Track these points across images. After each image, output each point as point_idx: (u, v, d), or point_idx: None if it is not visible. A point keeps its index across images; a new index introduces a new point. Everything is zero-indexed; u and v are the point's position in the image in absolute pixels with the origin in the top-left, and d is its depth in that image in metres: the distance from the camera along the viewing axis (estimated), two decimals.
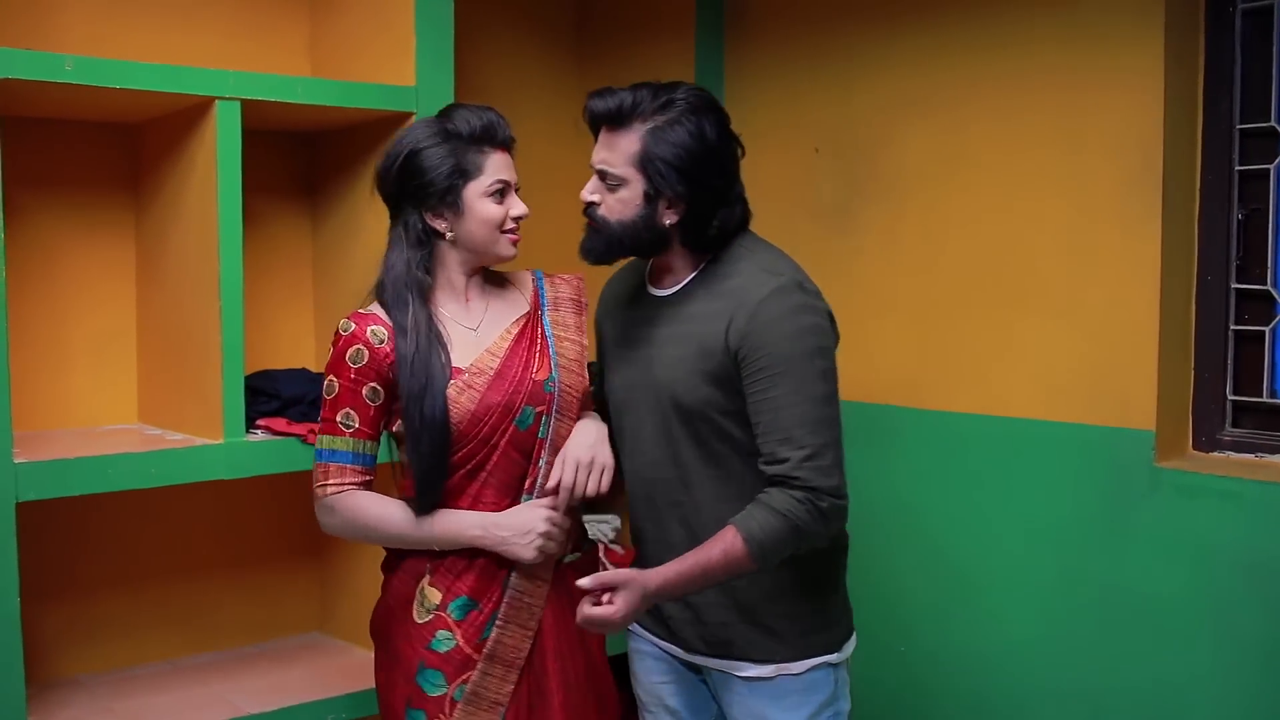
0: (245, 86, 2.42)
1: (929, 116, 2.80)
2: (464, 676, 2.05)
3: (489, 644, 2.05)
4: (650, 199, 1.96)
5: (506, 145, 2.09)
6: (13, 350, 2.54)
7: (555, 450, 2.10)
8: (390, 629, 2.12)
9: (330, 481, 2.05)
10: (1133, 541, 2.48)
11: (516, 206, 2.09)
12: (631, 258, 2.12)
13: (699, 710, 2.20)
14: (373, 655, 2.21)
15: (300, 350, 2.99)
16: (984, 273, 2.72)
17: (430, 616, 2.06)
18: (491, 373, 2.06)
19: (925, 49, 2.80)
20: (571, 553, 2.17)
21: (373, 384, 2.04)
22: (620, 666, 3.04)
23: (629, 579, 1.91)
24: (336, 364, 2.05)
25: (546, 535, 2.04)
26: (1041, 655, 2.63)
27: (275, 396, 2.59)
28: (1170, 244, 2.46)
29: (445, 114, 2.10)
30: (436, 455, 2.01)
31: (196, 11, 2.82)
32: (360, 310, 2.09)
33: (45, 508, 2.35)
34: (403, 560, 2.11)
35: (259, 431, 2.54)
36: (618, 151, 1.96)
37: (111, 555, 2.77)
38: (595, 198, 2.01)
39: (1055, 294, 2.60)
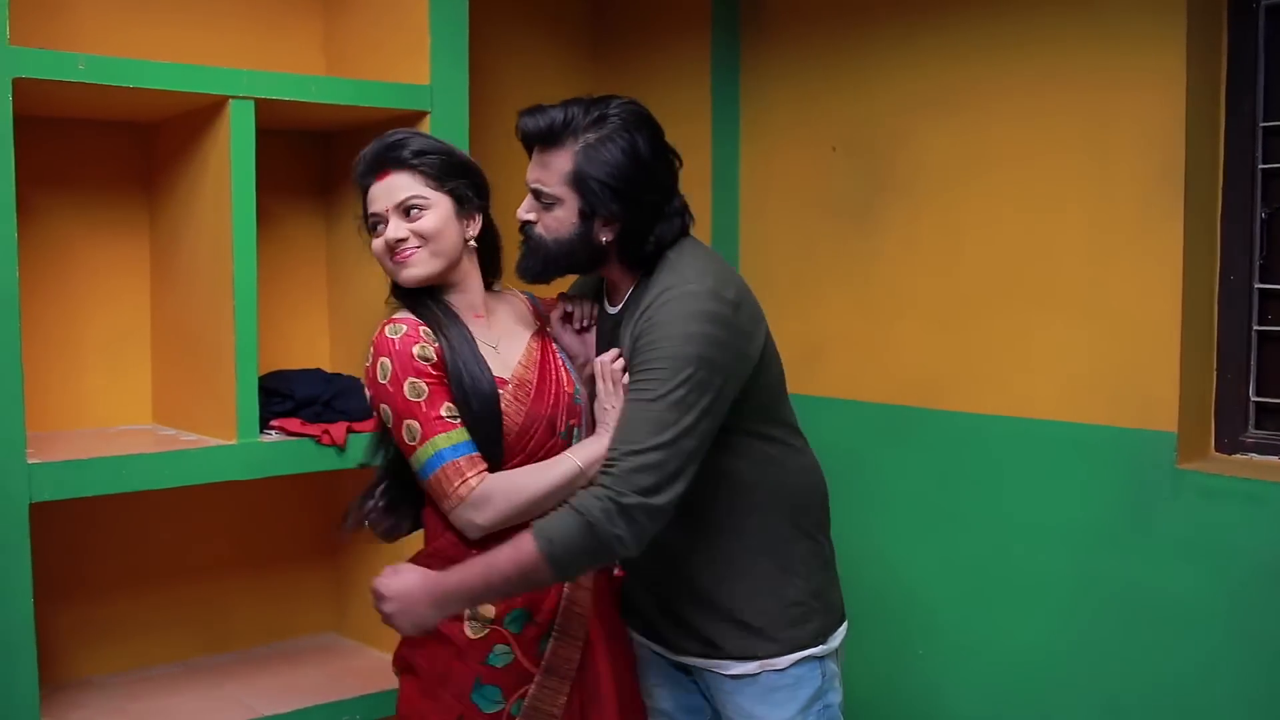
0: (259, 85, 2.41)
1: (948, 116, 2.78)
2: (521, 690, 2.00)
3: (546, 657, 2.01)
4: (585, 216, 1.92)
5: (376, 171, 1.99)
6: (26, 350, 2.54)
7: None
8: (434, 649, 2.00)
9: (470, 474, 1.90)
10: (1154, 544, 2.46)
11: (391, 230, 1.96)
12: (569, 275, 2.07)
13: (694, 711, 2.17)
14: (388, 658, 2.16)
15: (314, 350, 2.98)
16: (1004, 273, 2.70)
17: (486, 631, 1.98)
18: (533, 384, 2.01)
19: (944, 48, 2.78)
20: None
21: (445, 378, 1.94)
22: None
23: (410, 566, 1.90)
24: (409, 365, 1.91)
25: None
26: (1061, 657, 2.61)
27: (289, 397, 2.58)
28: (1192, 243, 2.43)
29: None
30: (489, 424, 1.95)
31: (210, 10, 2.81)
32: (395, 317, 1.99)
33: (59, 508, 2.34)
34: None
35: (273, 432, 2.53)
36: (551, 170, 1.92)
37: (125, 555, 2.76)
38: (531, 216, 1.97)
39: (1076, 294, 2.57)
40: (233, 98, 2.38)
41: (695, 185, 3.25)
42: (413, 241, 1.96)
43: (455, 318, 2.00)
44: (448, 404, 1.92)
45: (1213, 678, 2.38)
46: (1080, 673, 2.58)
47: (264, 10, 2.89)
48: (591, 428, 2.04)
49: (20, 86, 2.18)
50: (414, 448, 1.91)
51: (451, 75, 2.64)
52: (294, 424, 2.53)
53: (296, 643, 2.97)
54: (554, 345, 2.11)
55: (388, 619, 1.88)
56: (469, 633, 1.98)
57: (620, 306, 2.03)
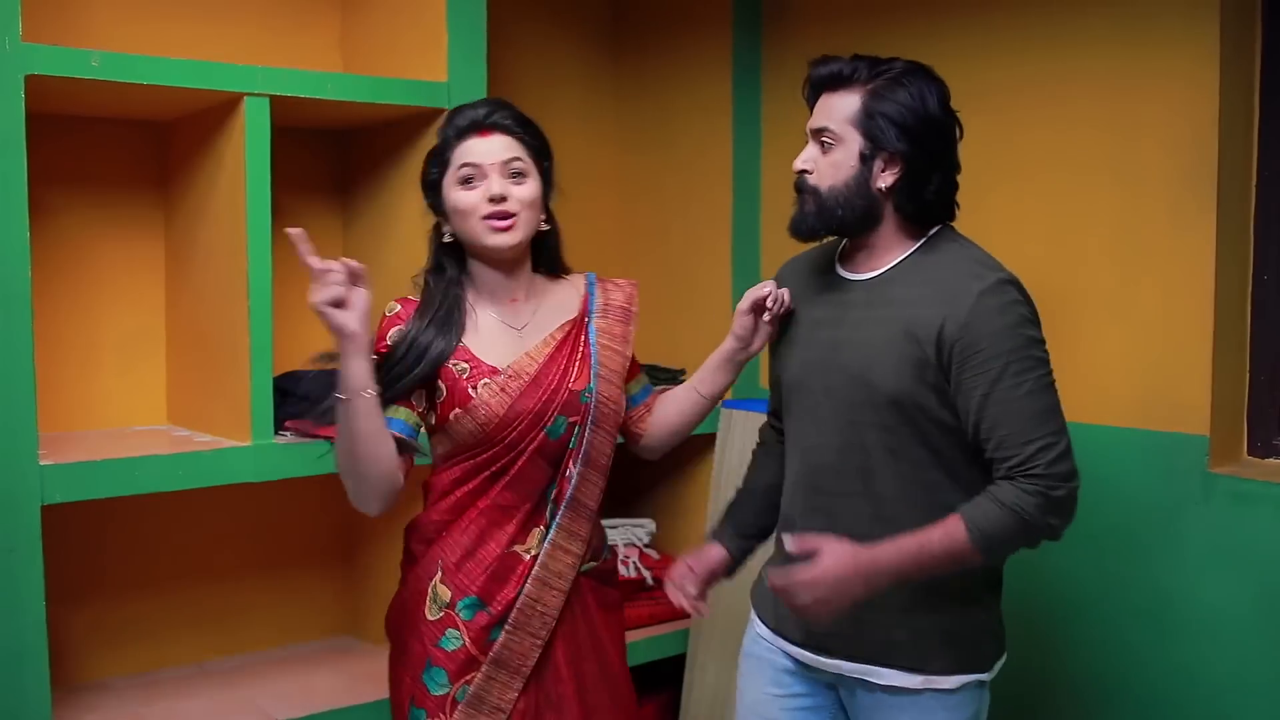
0: (274, 82, 2.38)
1: (973, 116, 2.68)
2: (467, 677, 2.00)
3: (495, 648, 2.01)
4: (865, 159, 1.91)
5: (482, 128, 1.99)
6: (41, 350, 2.53)
7: (587, 462, 2.06)
8: (403, 624, 2.08)
9: None
10: (1185, 550, 2.41)
11: (492, 186, 1.96)
12: (841, 234, 2.02)
13: None
14: None
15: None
16: (1031, 274, 2.61)
17: (441, 614, 2.02)
18: (527, 378, 2.00)
19: (970, 46, 2.74)
20: (589, 561, 2.11)
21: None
22: (649, 675, 2.98)
23: (833, 541, 1.83)
24: (379, 341, 2.01)
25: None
26: (1093, 663, 2.56)
27: (304, 398, 2.54)
28: (1225, 241, 2.38)
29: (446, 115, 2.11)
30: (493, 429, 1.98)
31: (226, 7, 2.79)
32: (409, 297, 2.07)
33: (73, 509, 2.33)
34: (421, 556, 2.07)
35: (287, 433, 2.50)
36: (835, 111, 1.93)
37: (139, 557, 2.75)
38: (808, 165, 1.96)
39: (1105, 294, 2.53)
40: (248, 95, 2.36)
41: (716, 184, 3.27)
42: (512, 205, 1.97)
43: (460, 304, 2.01)
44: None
45: (1245, 688, 2.33)
46: (1109, 681, 2.53)
47: (280, 7, 2.86)
48: (596, 428, 2.04)
49: (33, 83, 2.15)
50: None
51: (469, 72, 2.61)
52: (308, 425, 2.49)
53: (311, 646, 2.95)
54: (585, 338, 2.08)
55: (811, 608, 1.83)
56: (428, 614, 2.02)
57: (876, 274, 1.97)
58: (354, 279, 1.84)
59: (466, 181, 1.99)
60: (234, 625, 2.87)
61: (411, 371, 1.96)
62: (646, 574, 3.12)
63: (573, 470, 2.04)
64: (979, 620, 1.97)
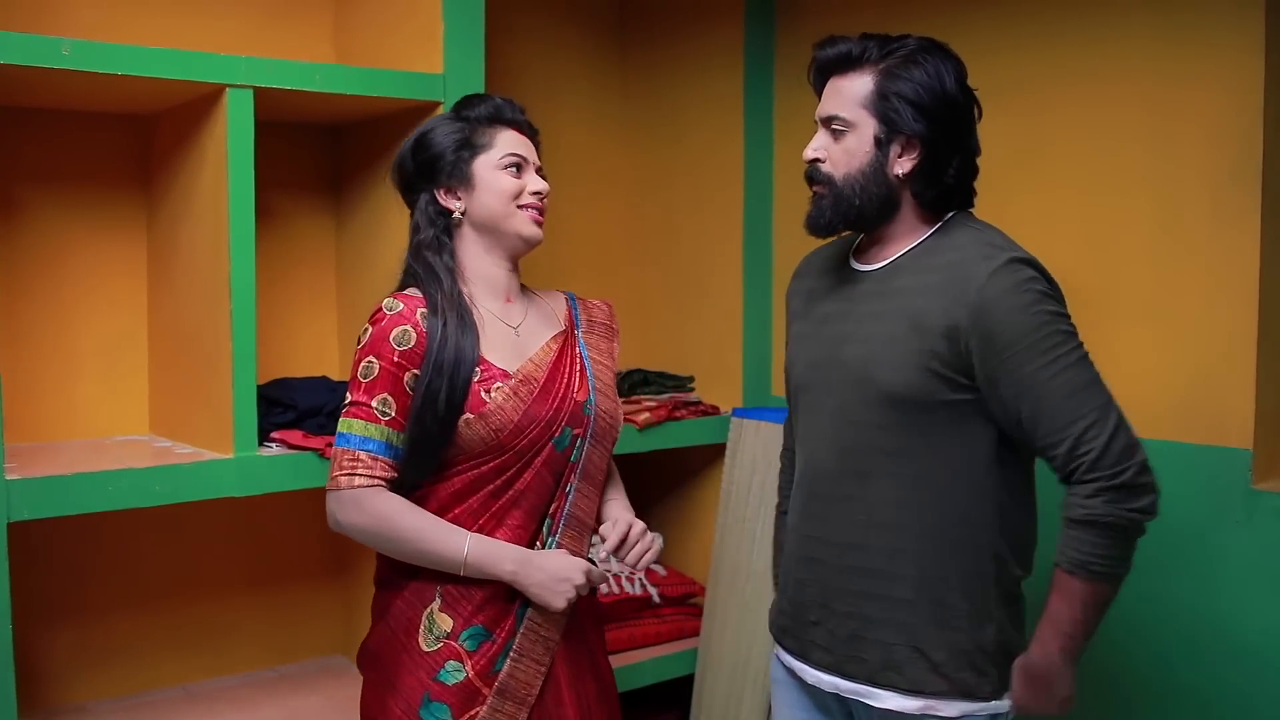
0: (258, 73, 2.28)
1: (1002, 110, 2.62)
2: (471, 711, 1.91)
3: (501, 677, 1.92)
4: (881, 144, 1.81)
5: (520, 127, 2.03)
6: (16, 357, 2.46)
7: (586, 478, 2.01)
8: (390, 656, 1.97)
9: (360, 472, 1.88)
10: (1227, 568, 2.32)
11: (535, 182, 2.01)
12: (858, 228, 1.91)
13: None
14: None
15: (323, 357, 2.86)
16: (1063, 276, 2.50)
17: (439, 645, 1.93)
18: (539, 384, 1.96)
19: (998, 37, 2.67)
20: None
21: (414, 371, 1.90)
22: (657, 695, 2.88)
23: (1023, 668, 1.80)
24: (378, 344, 1.90)
25: (579, 587, 1.93)
26: (1125, 686, 2.47)
27: (291, 407, 2.44)
28: (1271, 243, 2.28)
29: (458, 102, 2.08)
30: (437, 436, 1.89)
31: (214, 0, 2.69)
32: (406, 292, 1.97)
33: (52, 524, 2.25)
34: (408, 582, 1.96)
35: (274, 445, 2.38)
36: (846, 96, 1.84)
37: (123, 574, 2.66)
38: (820, 154, 1.87)
39: (1142, 300, 2.44)
40: (230, 86, 2.25)
41: (727, 182, 3.19)
42: (545, 200, 2.02)
43: (463, 299, 1.96)
44: (386, 396, 1.90)
45: None
46: (1145, 709, 2.44)
47: None
48: (595, 442, 2.00)
49: (3, 74, 2.06)
50: (340, 414, 1.93)
51: (466, 64, 2.51)
52: (296, 436, 2.39)
53: (303, 666, 2.87)
54: (578, 351, 2.05)
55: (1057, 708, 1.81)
56: (423, 645, 1.93)
57: (884, 264, 1.88)
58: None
59: (514, 169, 1.99)
60: (221, 645, 2.78)
61: (443, 395, 1.88)
62: (654, 591, 3.00)
63: (572, 485, 2.00)
64: (990, 641, 1.82)
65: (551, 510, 1.98)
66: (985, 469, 1.81)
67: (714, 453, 3.14)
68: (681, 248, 3.33)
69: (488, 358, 1.93)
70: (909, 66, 1.81)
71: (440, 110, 2.47)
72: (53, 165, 2.53)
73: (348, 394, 1.93)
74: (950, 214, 1.89)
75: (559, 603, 1.90)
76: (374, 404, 1.89)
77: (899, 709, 1.82)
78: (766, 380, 3.18)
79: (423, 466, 1.91)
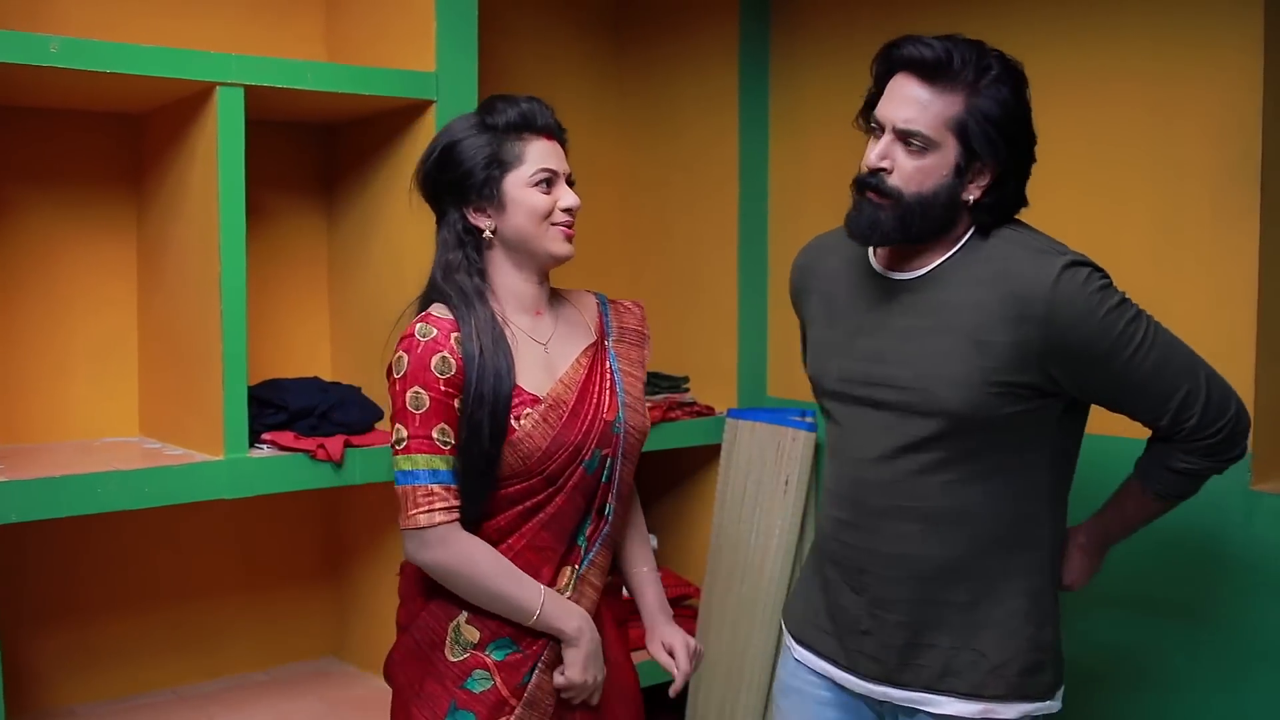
0: (249, 72, 2.26)
1: None
2: None
3: (529, 689, 1.90)
4: (960, 170, 1.72)
5: (550, 133, 1.94)
6: (6, 357, 2.45)
7: (618, 497, 1.96)
8: (416, 666, 1.94)
9: (438, 507, 1.82)
10: (1226, 570, 2.31)
11: (567, 197, 1.93)
12: (918, 241, 1.81)
13: None
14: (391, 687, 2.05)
15: (315, 357, 2.83)
16: None
17: (466, 655, 1.90)
18: (566, 408, 1.90)
19: (994, 34, 2.57)
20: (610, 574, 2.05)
21: (460, 398, 1.85)
22: (651, 698, 2.85)
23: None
24: (421, 373, 1.83)
25: (600, 676, 1.94)
26: (1127, 693, 2.45)
27: (283, 408, 2.42)
28: (1270, 245, 2.26)
29: (484, 105, 1.96)
30: (484, 473, 1.86)
31: None
32: (431, 313, 1.88)
33: (42, 526, 2.23)
34: (435, 595, 1.93)
35: (265, 446, 2.36)
36: (931, 110, 1.70)
37: (113, 576, 2.64)
38: (886, 164, 1.74)
39: (1141, 297, 2.32)
40: (220, 84, 2.23)
41: (722, 180, 3.17)
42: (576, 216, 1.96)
43: (495, 319, 1.89)
44: (444, 425, 1.84)
45: None
46: (1147, 705, 2.42)
47: None
48: (625, 459, 1.96)
49: None
50: (398, 452, 1.85)
51: (459, 62, 2.49)
52: (287, 437, 2.37)
53: (294, 668, 2.84)
54: (608, 365, 1.98)
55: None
56: (449, 655, 1.91)
57: (921, 273, 1.79)
58: None
59: (544, 184, 1.91)
60: (212, 648, 2.76)
61: (486, 427, 1.84)
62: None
63: (609, 506, 1.95)
64: (1049, 640, 1.83)
65: (588, 533, 1.94)
66: (1042, 468, 1.80)
67: (709, 454, 3.12)
68: (676, 247, 3.31)
69: (520, 382, 1.89)
70: (998, 89, 1.71)
71: (433, 109, 2.45)
72: (42, 164, 2.50)
73: (399, 427, 1.84)
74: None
75: (585, 677, 1.89)
76: (434, 435, 1.83)
77: (959, 714, 1.79)
78: (761, 381, 3.16)
79: (475, 498, 1.87)
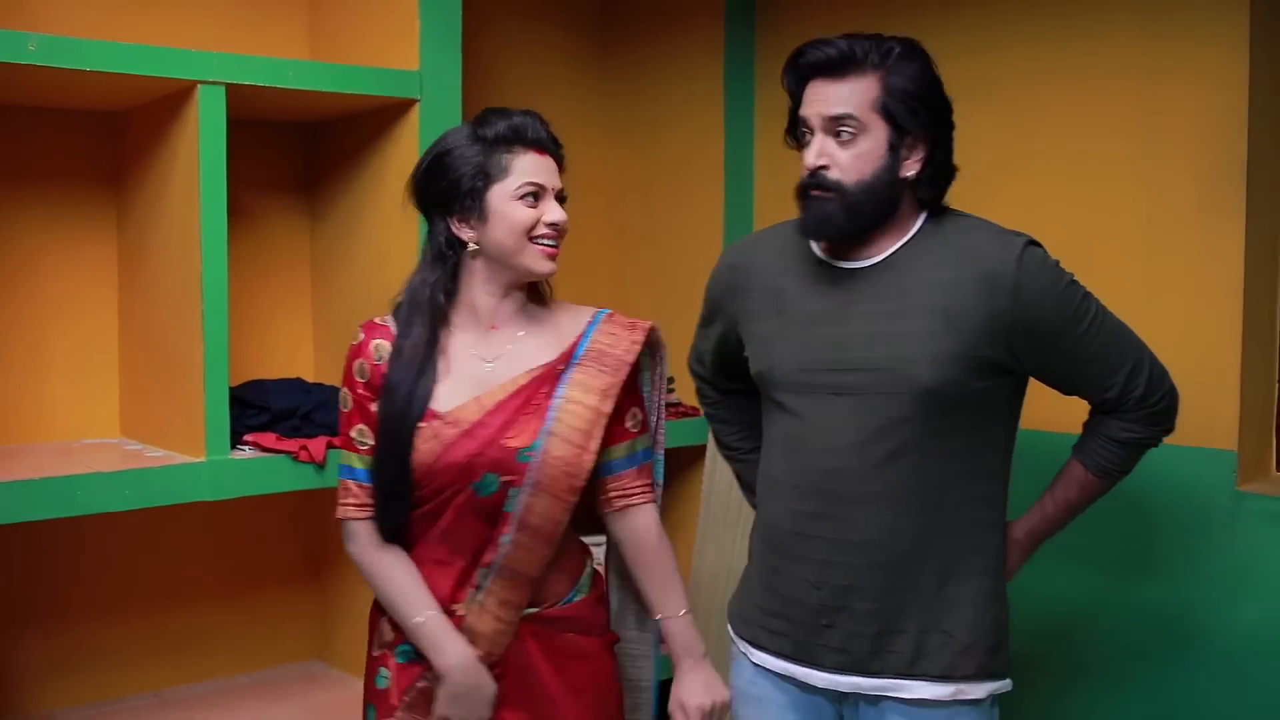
0: (230, 70, 2.24)
1: (986, 109, 2.62)
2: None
3: (411, 695, 1.92)
4: (894, 147, 1.78)
5: (541, 146, 1.90)
6: None
7: (527, 529, 1.88)
8: (366, 654, 2.06)
9: (350, 503, 1.92)
10: (1211, 570, 2.31)
11: (552, 212, 1.88)
12: (867, 231, 1.84)
13: None
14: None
15: (298, 359, 2.82)
16: None
17: (379, 651, 1.97)
18: (464, 428, 1.86)
19: (982, 34, 2.65)
20: (531, 607, 1.94)
21: (377, 403, 1.90)
22: None
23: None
24: (348, 377, 1.93)
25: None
26: (1112, 692, 2.45)
27: (265, 409, 2.40)
28: (1255, 245, 2.27)
29: (478, 116, 1.94)
30: (394, 490, 1.88)
31: None
32: (376, 319, 1.94)
33: (22, 528, 2.20)
34: None
35: (246, 448, 2.34)
36: (852, 99, 1.77)
37: (94, 578, 2.61)
38: (824, 161, 1.79)
39: (1126, 300, 2.35)
40: (201, 83, 2.21)
41: (708, 180, 3.16)
42: (559, 232, 1.91)
43: (430, 343, 1.88)
44: (363, 426, 1.91)
45: (1275, 715, 2.21)
46: (1128, 711, 2.42)
47: None
48: (539, 491, 1.86)
49: None
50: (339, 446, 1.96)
51: (443, 61, 2.47)
52: (269, 439, 2.35)
53: (278, 672, 2.83)
54: (553, 390, 1.90)
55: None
56: (372, 649, 2.00)
57: (877, 260, 1.83)
58: None
59: (530, 198, 1.88)
60: (195, 651, 2.74)
61: (391, 443, 1.87)
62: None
63: (506, 536, 1.87)
64: (1003, 620, 1.88)
65: (484, 559, 1.89)
66: (996, 448, 1.86)
67: (694, 454, 3.11)
68: (662, 247, 3.30)
69: (438, 403, 1.87)
70: (906, 65, 1.77)
71: (416, 108, 2.44)
72: (20, 164, 2.48)
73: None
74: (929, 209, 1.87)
75: (448, 713, 1.87)
76: (353, 434, 1.91)
77: (932, 697, 1.81)
78: None
79: (390, 502, 1.89)
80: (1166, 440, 2.30)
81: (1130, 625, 2.41)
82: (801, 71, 1.83)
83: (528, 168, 1.87)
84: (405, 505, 1.89)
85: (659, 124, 3.28)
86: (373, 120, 2.54)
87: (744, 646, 1.99)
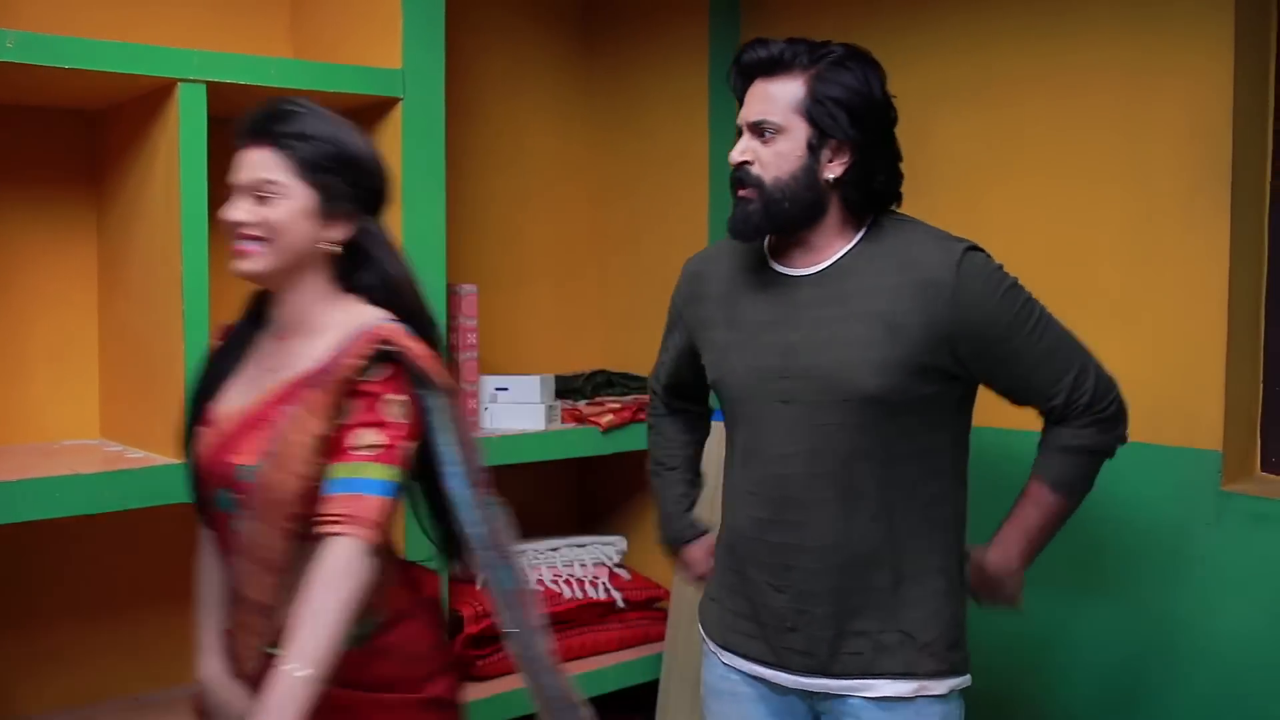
0: (211, 68, 2.22)
1: (972, 107, 2.63)
2: None
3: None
4: (813, 148, 1.82)
5: (249, 140, 1.73)
6: None
7: (248, 556, 1.72)
8: None
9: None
10: (1196, 572, 2.31)
11: (233, 210, 1.72)
12: (789, 230, 1.88)
13: None
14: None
15: None
16: (1032, 276, 2.47)
17: None
18: (210, 436, 1.78)
19: (968, 32, 2.65)
20: (269, 646, 1.74)
21: None
22: (621, 701, 2.83)
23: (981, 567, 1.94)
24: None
25: None
26: (1094, 696, 2.45)
27: None
28: (1240, 245, 2.27)
29: None
30: (191, 487, 1.86)
31: None
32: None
33: (0, 530, 2.18)
34: None
35: None
36: (776, 100, 1.83)
37: (72, 581, 2.59)
38: (747, 157, 1.85)
39: (1112, 300, 2.42)
40: (182, 81, 2.19)
41: (692, 182, 3.14)
42: (254, 230, 1.70)
43: (235, 337, 1.86)
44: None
45: (1262, 717, 2.22)
46: (1115, 704, 2.42)
47: None
48: (255, 517, 1.69)
49: None
50: None
51: (426, 59, 2.46)
52: None
53: None
54: (289, 407, 1.70)
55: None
56: None
57: (823, 266, 1.87)
58: None
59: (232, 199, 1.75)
60: (174, 654, 2.68)
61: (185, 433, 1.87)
62: (617, 595, 2.97)
63: (234, 557, 1.76)
64: (960, 617, 1.91)
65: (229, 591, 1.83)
66: (945, 450, 1.89)
67: None
68: (646, 248, 3.29)
69: (220, 402, 1.80)
70: (839, 72, 1.81)
71: (399, 107, 2.43)
72: None
73: None
74: (873, 215, 1.90)
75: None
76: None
77: (895, 694, 1.84)
78: None
79: (196, 500, 1.86)
80: (1152, 440, 2.35)
81: (1115, 625, 2.42)
82: (743, 70, 1.89)
83: (235, 166, 1.75)
84: (200, 511, 1.86)
85: (644, 122, 3.27)
86: (357, 119, 2.48)
87: (713, 647, 2.03)
